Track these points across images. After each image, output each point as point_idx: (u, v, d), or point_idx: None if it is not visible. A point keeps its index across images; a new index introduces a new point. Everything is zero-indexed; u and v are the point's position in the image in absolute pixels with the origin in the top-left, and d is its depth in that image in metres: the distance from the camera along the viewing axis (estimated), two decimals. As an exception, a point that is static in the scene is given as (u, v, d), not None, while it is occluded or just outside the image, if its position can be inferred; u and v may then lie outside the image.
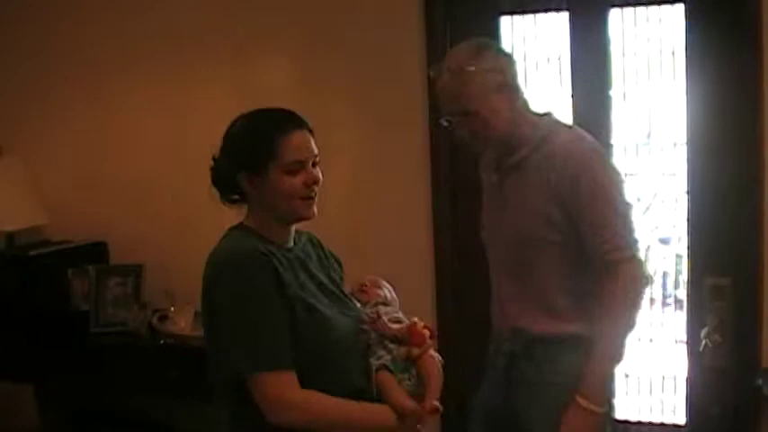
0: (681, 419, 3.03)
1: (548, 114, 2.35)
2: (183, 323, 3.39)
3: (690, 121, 2.84)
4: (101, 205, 3.86)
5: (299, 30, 3.46)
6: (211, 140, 3.75)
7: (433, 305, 3.24)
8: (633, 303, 2.20)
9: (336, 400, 1.87)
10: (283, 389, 1.83)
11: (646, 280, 2.24)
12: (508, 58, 2.32)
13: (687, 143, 2.86)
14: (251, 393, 1.84)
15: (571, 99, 2.95)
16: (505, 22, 3.09)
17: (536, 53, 3.13)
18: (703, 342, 2.86)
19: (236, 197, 2.01)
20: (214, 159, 2.03)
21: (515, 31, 3.10)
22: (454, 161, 3.25)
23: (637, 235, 2.22)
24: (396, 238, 3.31)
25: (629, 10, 2.95)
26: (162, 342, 3.39)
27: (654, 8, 2.93)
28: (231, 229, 2.03)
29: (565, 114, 2.94)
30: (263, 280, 1.84)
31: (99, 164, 3.87)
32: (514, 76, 2.28)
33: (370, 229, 3.37)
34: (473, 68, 2.22)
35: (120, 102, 3.81)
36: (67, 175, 3.93)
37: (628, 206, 2.23)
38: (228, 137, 2.00)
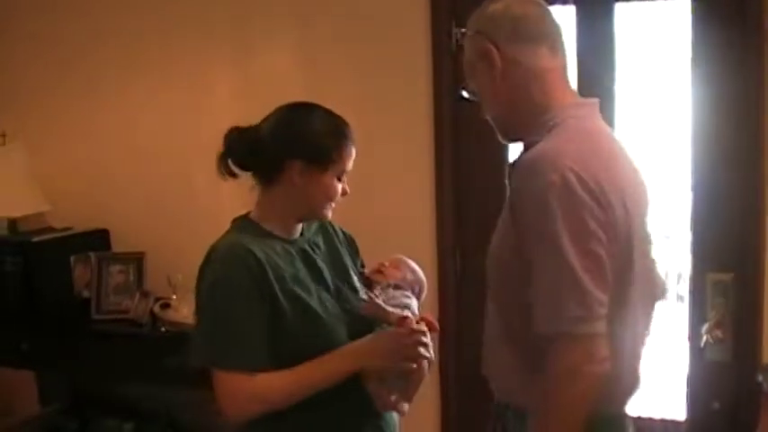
0: (680, 415, 3.08)
1: (579, 105, 1.87)
2: (186, 311, 3.44)
3: (694, 116, 2.88)
4: (103, 193, 3.93)
5: (301, 21, 3.51)
6: (215, 128, 3.80)
7: (435, 301, 3.28)
8: (563, 398, 1.64)
9: (290, 375, 1.91)
10: (232, 387, 1.90)
11: (592, 368, 1.63)
12: (519, 17, 1.83)
13: (691, 138, 2.90)
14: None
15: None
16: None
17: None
18: (704, 338, 2.91)
19: (261, 174, 2.04)
20: (254, 129, 2.05)
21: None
22: (458, 155, 3.30)
23: (595, 304, 1.62)
24: (397, 232, 3.36)
25: (635, 4, 2.98)
26: (163, 330, 3.45)
27: (660, 3, 2.96)
28: (234, 220, 2.09)
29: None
30: (239, 277, 1.90)
31: (102, 152, 3.94)
32: (522, 40, 1.82)
33: (370, 223, 3.39)
34: (467, 29, 1.92)
35: (124, 90, 3.87)
36: (71, 162, 4.00)
37: (586, 261, 1.61)
38: (293, 120, 2.05)
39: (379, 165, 3.44)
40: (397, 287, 2.18)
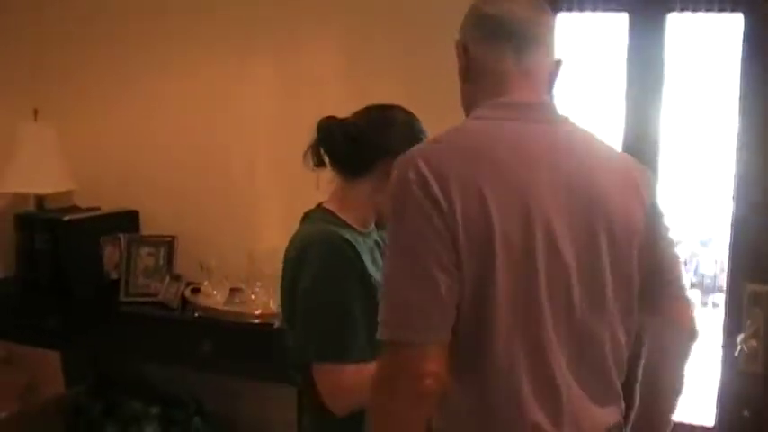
0: (710, 421, 3.17)
1: (505, 105, 1.71)
2: (219, 297, 3.51)
3: (742, 126, 2.97)
4: (133, 174, 3.98)
5: (347, 14, 3.56)
6: (253, 115, 3.86)
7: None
8: (377, 412, 1.61)
9: None
10: (342, 379, 1.95)
11: (406, 381, 1.52)
12: (487, 15, 1.75)
13: (737, 148, 2.99)
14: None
15: (625, 101, 3.08)
16: (562, 18, 3.20)
17: (592, 52, 3.24)
18: (739, 347, 2.99)
19: (352, 166, 2.10)
20: (352, 122, 2.12)
21: (573, 29, 3.21)
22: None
23: (416, 312, 1.52)
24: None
25: (687, 15, 3.06)
26: (196, 315, 3.50)
27: (712, 15, 3.04)
28: (310, 212, 2.15)
29: (616, 115, 3.07)
30: (344, 267, 1.96)
31: (134, 133, 4.01)
32: (485, 40, 1.74)
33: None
34: None
35: (159, 72, 3.92)
36: (101, 141, 4.06)
37: (412, 267, 1.52)
38: (392, 119, 2.14)
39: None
40: None
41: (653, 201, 1.73)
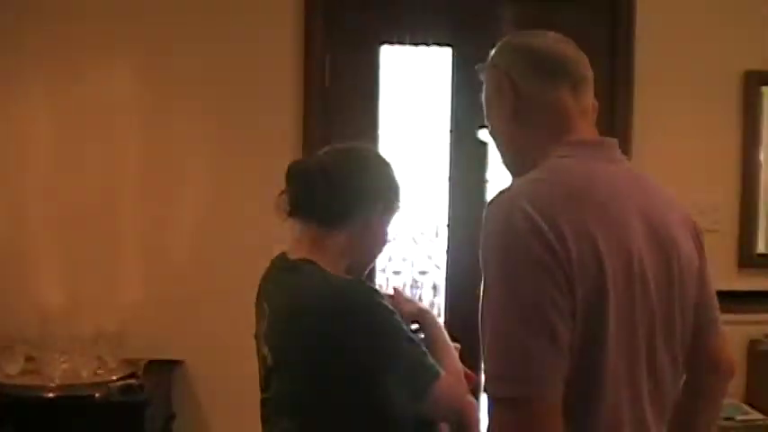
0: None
1: (581, 143, 1.67)
2: (11, 369, 3.05)
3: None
4: None
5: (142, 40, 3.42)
6: (19, 153, 3.35)
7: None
8: None
9: None
10: None
11: None
12: (539, 50, 1.70)
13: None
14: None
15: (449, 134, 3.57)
16: (386, 51, 3.39)
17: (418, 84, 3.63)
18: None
19: (331, 216, 1.94)
20: (331, 165, 1.96)
21: (397, 62, 3.58)
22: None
23: (531, 363, 1.41)
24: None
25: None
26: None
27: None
28: (294, 263, 1.94)
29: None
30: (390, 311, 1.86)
31: None
32: (540, 76, 1.68)
33: (222, 270, 3.41)
34: (487, 63, 1.78)
35: None
36: None
37: (528, 313, 1.42)
38: (366, 162, 2.02)
39: (235, 196, 3.44)
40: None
41: (702, 239, 1.78)
